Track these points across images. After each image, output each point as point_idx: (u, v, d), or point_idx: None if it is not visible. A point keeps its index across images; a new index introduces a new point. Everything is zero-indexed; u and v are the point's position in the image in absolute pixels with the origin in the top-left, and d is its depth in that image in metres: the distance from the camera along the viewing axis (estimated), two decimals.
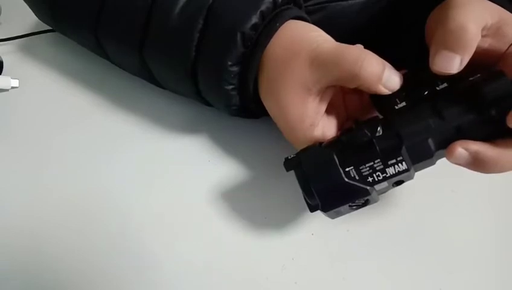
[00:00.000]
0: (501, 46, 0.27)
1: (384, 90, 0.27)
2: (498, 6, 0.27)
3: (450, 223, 0.32)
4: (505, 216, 0.32)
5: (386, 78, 0.27)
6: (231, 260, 0.31)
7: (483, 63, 0.27)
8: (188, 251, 0.31)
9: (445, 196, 0.32)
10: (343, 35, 0.29)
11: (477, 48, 0.26)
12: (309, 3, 0.39)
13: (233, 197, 0.33)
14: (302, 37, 0.30)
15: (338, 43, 0.29)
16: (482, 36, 0.26)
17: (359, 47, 0.28)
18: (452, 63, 0.25)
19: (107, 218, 0.33)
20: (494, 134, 0.25)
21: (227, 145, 0.36)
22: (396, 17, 0.44)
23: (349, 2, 0.39)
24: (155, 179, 0.34)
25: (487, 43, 0.27)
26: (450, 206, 0.32)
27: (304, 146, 0.29)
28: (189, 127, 0.37)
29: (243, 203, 0.33)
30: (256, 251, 0.31)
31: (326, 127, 0.30)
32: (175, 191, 0.34)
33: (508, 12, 0.27)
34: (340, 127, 0.31)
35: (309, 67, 0.28)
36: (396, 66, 0.30)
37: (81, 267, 0.31)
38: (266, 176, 0.34)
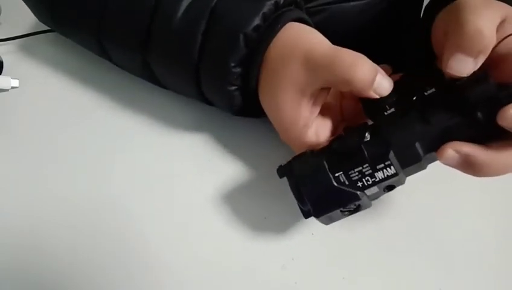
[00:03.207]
0: (501, 43, 0.26)
1: (374, 95, 0.27)
2: (502, 3, 0.27)
3: (450, 223, 0.32)
4: (505, 216, 0.32)
5: (378, 83, 0.27)
6: (231, 260, 0.31)
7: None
8: (188, 250, 0.31)
9: (444, 196, 0.32)
10: (344, 36, 0.29)
11: None
12: (311, 4, 0.40)
13: (233, 197, 0.33)
14: (299, 39, 0.30)
15: (333, 46, 0.29)
16: None
17: (352, 51, 0.28)
18: (467, 66, 0.25)
19: (107, 217, 0.33)
20: (482, 136, 0.25)
21: (228, 145, 0.36)
22: (397, 18, 0.44)
23: (351, 3, 0.40)
24: (156, 178, 0.34)
25: None
26: (449, 206, 0.32)
27: (298, 147, 0.30)
28: (191, 126, 0.37)
29: (243, 203, 0.33)
30: (256, 251, 0.31)
31: (320, 129, 0.30)
32: (175, 191, 0.34)
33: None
34: (335, 129, 0.31)
35: (303, 69, 0.28)
36: (395, 67, 0.30)
37: (81, 267, 0.31)
38: (266, 176, 0.34)
